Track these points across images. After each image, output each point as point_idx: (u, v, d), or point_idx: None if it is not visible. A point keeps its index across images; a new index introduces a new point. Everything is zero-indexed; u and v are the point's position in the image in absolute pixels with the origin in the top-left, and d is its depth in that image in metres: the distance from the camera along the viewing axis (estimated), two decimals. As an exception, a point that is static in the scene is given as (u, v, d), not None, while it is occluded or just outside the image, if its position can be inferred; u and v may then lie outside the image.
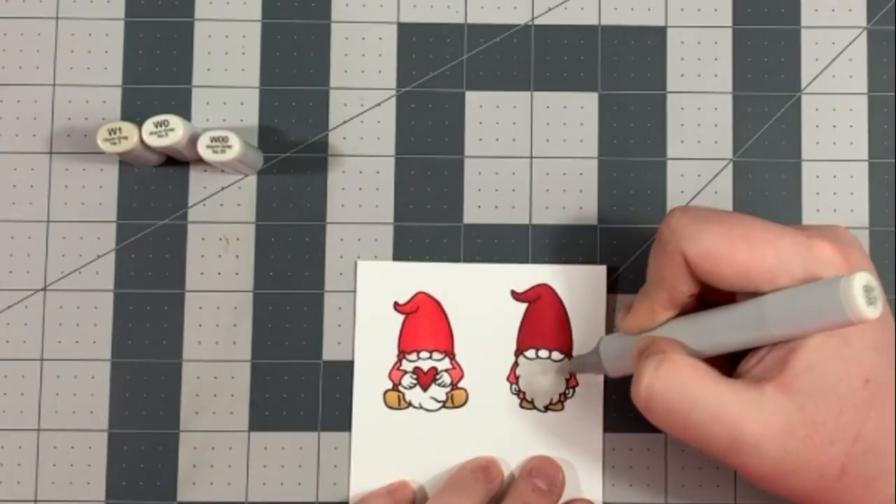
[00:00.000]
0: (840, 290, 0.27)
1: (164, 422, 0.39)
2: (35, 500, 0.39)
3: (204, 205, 0.40)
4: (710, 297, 0.34)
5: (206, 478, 0.39)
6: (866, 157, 0.40)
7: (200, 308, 0.39)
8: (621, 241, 0.40)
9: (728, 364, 0.33)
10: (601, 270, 0.39)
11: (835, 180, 0.40)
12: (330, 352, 0.39)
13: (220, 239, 0.40)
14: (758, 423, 0.30)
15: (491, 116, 0.40)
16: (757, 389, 0.30)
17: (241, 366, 0.39)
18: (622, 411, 0.39)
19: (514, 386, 0.39)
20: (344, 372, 0.39)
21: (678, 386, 0.31)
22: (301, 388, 0.39)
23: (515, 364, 0.39)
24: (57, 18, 0.40)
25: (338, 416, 0.39)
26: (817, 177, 0.40)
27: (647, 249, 0.39)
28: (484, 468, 0.38)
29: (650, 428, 0.39)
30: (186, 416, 0.39)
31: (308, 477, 0.39)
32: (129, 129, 0.36)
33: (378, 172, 0.40)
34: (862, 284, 0.27)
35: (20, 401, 0.39)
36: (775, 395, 0.30)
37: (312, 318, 0.39)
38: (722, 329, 0.32)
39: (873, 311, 0.27)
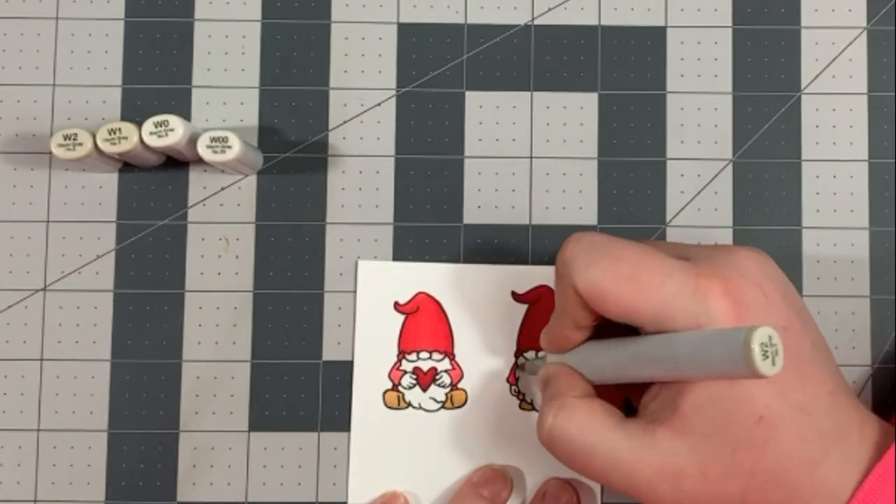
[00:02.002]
0: (737, 347, 0.27)
1: (164, 422, 0.39)
2: (35, 500, 0.39)
3: (204, 205, 0.40)
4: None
5: (206, 478, 0.39)
6: (866, 157, 0.40)
7: (200, 308, 0.39)
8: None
9: (630, 388, 0.33)
10: None
11: (835, 180, 0.40)
12: (330, 352, 0.39)
13: (220, 239, 0.40)
14: (651, 467, 0.30)
15: (491, 116, 0.40)
16: (649, 434, 0.30)
17: (241, 366, 0.39)
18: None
19: (513, 387, 0.39)
20: (344, 372, 0.39)
21: (576, 432, 0.31)
22: (301, 388, 0.39)
23: (515, 365, 0.39)
24: (57, 18, 0.40)
25: (337, 417, 0.39)
26: (817, 177, 0.40)
27: (647, 249, 0.39)
28: (490, 481, 0.38)
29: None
30: (186, 416, 0.39)
31: (308, 477, 0.39)
32: (129, 129, 0.36)
33: (378, 172, 0.40)
34: (759, 341, 0.26)
35: (20, 401, 0.39)
36: (666, 438, 0.30)
37: (312, 318, 0.39)
38: (633, 361, 0.31)
39: (770, 367, 0.26)
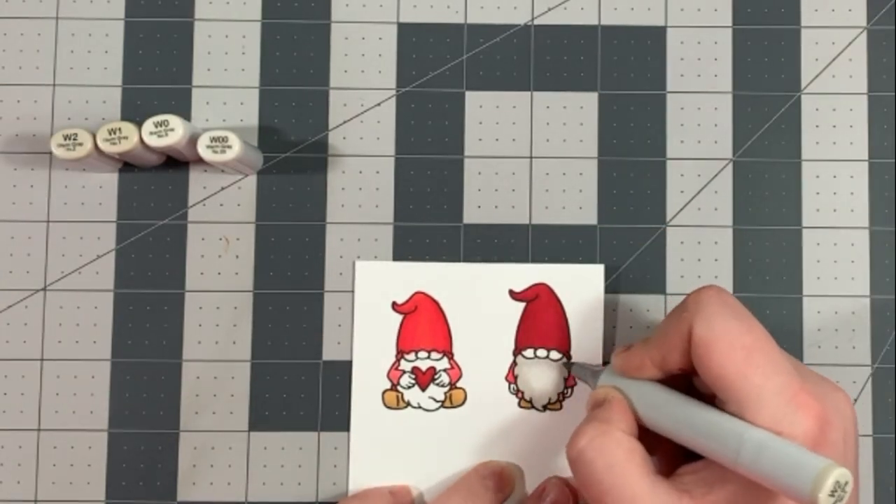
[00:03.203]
0: (813, 472, 0.26)
1: (164, 422, 0.39)
2: (35, 500, 0.39)
3: (204, 205, 0.40)
4: (699, 384, 0.34)
5: (206, 478, 0.39)
6: (866, 157, 0.40)
7: (200, 308, 0.39)
8: (621, 241, 0.40)
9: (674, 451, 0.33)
10: (599, 270, 0.39)
11: (835, 180, 0.40)
12: (330, 352, 0.39)
13: (220, 239, 0.40)
14: None
15: (491, 116, 0.40)
16: (675, 501, 0.30)
17: (241, 366, 0.39)
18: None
19: (512, 385, 0.39)
20: (344, 372, 0.39)
21: (606, 464, 0.31)
22: (301, 388, 0.39)
23: (514, 363, 0.39)
24: (57, 18, 0.40)
25: (337, 416, 0.39)
26: (817, 177, 0.40)
27: (646, 249, 0.39)
28: (496, 475, 0.38)
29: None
30: (186, 416, 0.39)
31: (308, 477, 0.39)
32: (129, 129, 0.36)
33: (378, 172, 0.40)
34: (834, 480, 0.26)
35: (20, 401, 0.39)
36: None
37: (312, 318, 0.39)
38: (696, 428, 0.31)
39: None
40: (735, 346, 0.30)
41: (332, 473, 0.39)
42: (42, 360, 0.39)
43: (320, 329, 0.39)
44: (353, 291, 0.39)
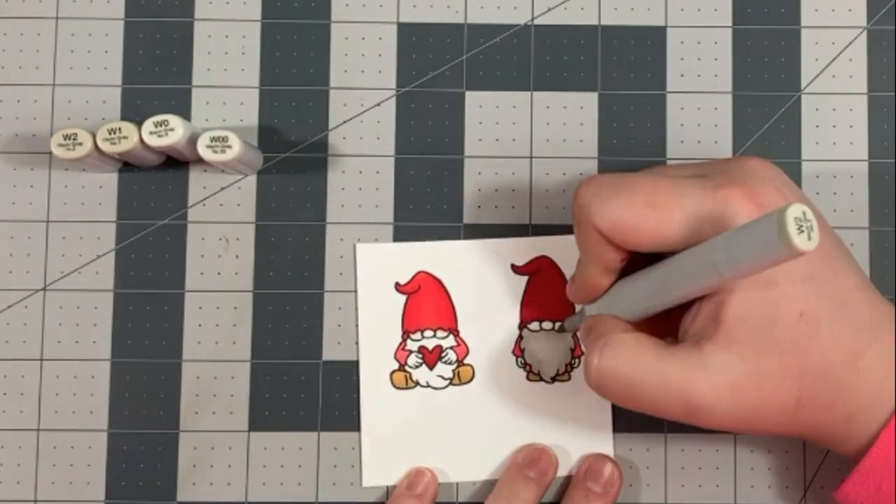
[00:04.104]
0: (772, 227, 0.26)
1: (164, 422, 0.39)
2: (35, 500, 0.39)
3: (204, 205, 0.40)
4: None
5: (206, 478, 0.39)
6: (866, 157, 0.40)
7: (200, 308, 0.39)
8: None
9: (672, 328, 0.33)
10: None
11: (835, 180, 0.40)
12: (330, 352, 0.39)
13: (220, 239, 0.40)
14: (705, 385, 0.31)
15: (491, 116, 0.40)
16: (697, 353, 0.31)
17: (241, 366, 0.39)
18: (621, 411, 0.39)
19: (519, 359, 0.39)
20: (344, 372, 0.39)
21: (623, 365, 0.32)
22: (301, 388, 0.39)
23: (520, 337, 0.39)
24: (57, 18, 0.40)
25: (337, 416, 0.39)
26: (817, 177, 0.40)
27: (647, 249, 0.39)
28: (535, 461, 0.38)
29: (650, 428, 0.39)
30: (186, 416, 0.39)
31: (308, 477, 0.39)
32: (128, 129, 0.36)
33: (378, 172, 0.40)
34: (793, 216, 0.26)
35: (20, 401, 0.39)
36: (715, 352, 0.31)
37: (312, 318, 0.39)
38: (670, 282, 0.32)
39: (807, 241, 0.26)
40: (639, 211, 0.31)
41: (333, 474, 0.39)
42: (42, 360, 0.39)
43: (320, 329, 0.39)
44: (353, 291, 0.39)
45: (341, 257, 0.40)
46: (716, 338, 0.31)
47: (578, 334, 0.36)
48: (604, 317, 0.34)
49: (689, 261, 0.31)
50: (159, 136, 0.36)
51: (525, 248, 0.39)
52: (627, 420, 0.39)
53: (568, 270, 0.39)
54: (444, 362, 0.39)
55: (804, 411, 0.31)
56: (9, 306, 0.39)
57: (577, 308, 0.38)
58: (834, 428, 0.31)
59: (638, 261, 0.34)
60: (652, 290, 0.33)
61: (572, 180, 0.40)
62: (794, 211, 0.26)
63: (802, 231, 0.26)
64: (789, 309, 0.30)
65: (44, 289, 0.39)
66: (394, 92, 0.40)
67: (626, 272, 0.34)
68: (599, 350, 0.32)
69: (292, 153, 0.40)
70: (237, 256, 0.40)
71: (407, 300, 0.39)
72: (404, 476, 0.38)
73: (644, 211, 0.31)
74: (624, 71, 0.40)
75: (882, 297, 0.33)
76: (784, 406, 0.31)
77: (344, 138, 0.40)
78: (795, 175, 0.40)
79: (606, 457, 0.38)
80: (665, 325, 0.34)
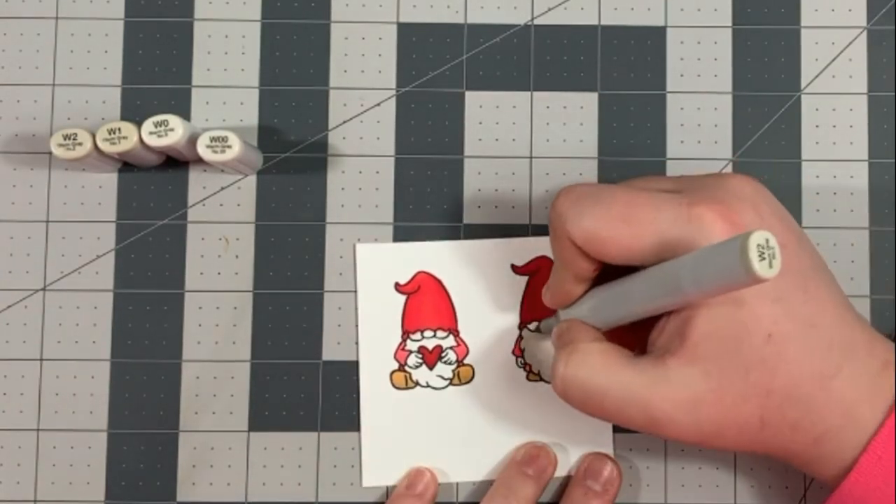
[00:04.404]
0: (734, 253, 0.26)
1: (164, 422, 0.39)
2: (35, 500, 0.39)
3: (204, 205, 0.40)
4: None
5: (206, 478, 0.39)
6: (866, 157, 0.40)
7: (200, 308, 0.39)
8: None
9: (643, 339, 0.34)
10: None
11: (835, 180, 0.40)
12: (330, 352, 0.39)
13: (220, 239, 0.40)
14: (666, 399, 0.31)
15: (491, 116, 0.40)
16: (661, 366, 0.31)
17: (241, 366, 0.39)
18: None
19: (519, 359, 0.39)
20: (344, 372, 0.39)
21: (588, 375, 0.32)
22: (301, 388, 0.39)
23: (520, 337, 0.39)
24: (57, 18, 0.40)
25: (337, 416, 0.39)
26: (817, 177, 0.40)
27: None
28: (534, 458, 0.38)
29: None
30: (186, 416, 0.39)
31: (308, 477, 0.39)
32: (128, 129, 0.36)
33: (378, 172, 0.40)
34: (755, 243, 0.26)
35: (20, 401, 0.39)
36: (678, 367, 0.31)
37: (312, 318, 0.39)
38: (637, 296, 0.32)
39: (768, 269, 0.26)
40: (613, 225, 0.31)
41: (333, 474, 0.39)
42: (42, 360, 0.39)
43: (320, 329, 0.39)
44: (353, 291, 0.39)
45: (341, 257, 0.40)
46: (680, 353, 0.31)
47: (551, 336, 0.37)
48: (574, 323, 0.35)
49: (656, 277, 0.31)
50: (159, 136, 0.36)
51: (525, 249, 0.39)
52: (627, 420, 0.39)
53: None
54: (444, 362, 0.39)
55: (768, 431, 0.31)
56: (9, 306, 0.39)
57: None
58: (803, 449, 0.31)
59: (612, 271, 0.34)
60: (621, 302, 0.33)
61: (572, 180, 0.40)
62: (757, 238, 0.26)
63: (764, 258, 0.26)
64: (757, 329, 0.30)
65: (44, 289, 0.39)
66: (394, 92, 0.40)
67: (600, 281, 0.34)
68: (566, 358, 0.33)
69: (292, 153, 0.40)
70: (237, 256, 0.40)
71: (407, 300, 0.39)
72: (404, 476, 0.38)
73: (617, 225, 0.31)
74: (624, 71, 0.40)
75: (860, 318, 0.32)
76: (747, 425, 0.31)
77: (344, 138, 0.40)
78: (795, 175, 0.40)
79: (606, 456, 0.38)
80: (636, 336, 0.34)
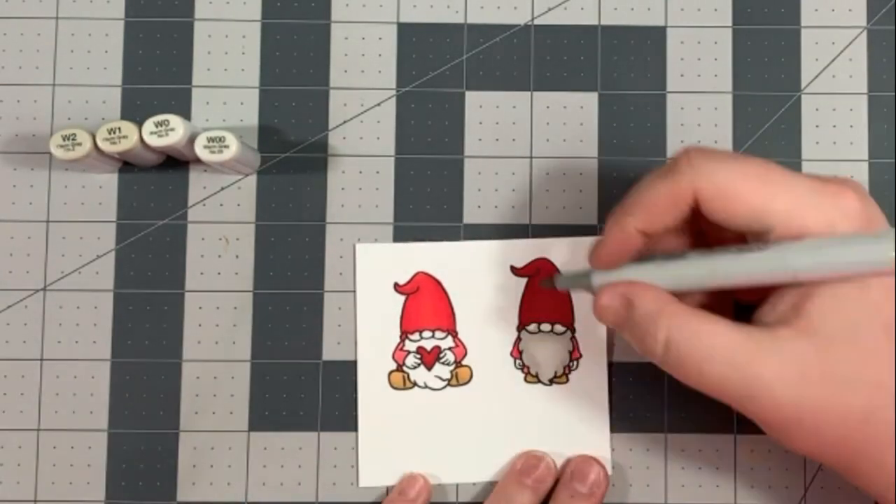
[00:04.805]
0: (889, 241, 0.27)
1: (164, 422, 0.39)
2: (35, 500, 0.39)
3: (204, 205, 0.40)
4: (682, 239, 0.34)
5: (206, 478, 0.39)
6: (866, 157, 0.40)
7: (200, 308, 0.39)
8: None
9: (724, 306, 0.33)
10: None
11: (835, 180, 0.40)
12: (330, 352, 0.39)
13: (220, 239, 0.40)
14: (772, 367, 0.29)
15: (491, 116, 0.40)
16: (772, 336, 0.29)
17: (241, 366, 0.39)
18: (621, 411, 0.39)
19: (518, 361, 0.39)
20: (344, 372, 0.39)
21: (689, 336, 0.30)
22: (301, 388, 0.39)
23: (518, 339, 0.39)
24: (57, 18, 0.40)
25: (337, 416, 0.39)
26: (817, 177, 0.40)
27: (647, 249, 0.39)
28: (532, 468, 0.38)
29: (650, 428, 0.39)
30: (186, 416, 0.39)
31: (308, 477, 0.39)
32: (128, 128, 0.36)
33: (378, 172, 0.40)
34: None
35: (20, 401, 0.39)
36: (791, 338, 0.29)
37: (312, 318, 0.39)
38: (742, 267, 0.31)
39: None
40: (749, 177, 0.30)
41: (332, 474, 0.39)
42: (42, 360, 0.39)
43: (320, 329, 0.39)
44: (353, 291, 0.39)
45: (341, 257, 0.40)
46: (795, 324, 0.29)
47: (593, 297, 0.34)
48: (641, 287, 0.32)
49: (755, 256, 0.30)
50: (159, 136, 0.36)
51: (525, 250, 0.39)
52: (627, 420, 0.39)
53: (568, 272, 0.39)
54: (443, 363, 0.39)
55: (870, 428, 0.29)
56: (9, 306, 0.39)
57: (580, 320, 0.39)
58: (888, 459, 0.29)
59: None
60: (705, 273, 0.32)
61: (572, 180, 0.40)
62: None
63: None
64: (878, 318, 0.29)
65: (44, 289, 0.39)
66: (394, 92, 0.40)
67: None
68: (667, 320, 0.31)
69: (292, 153, 0.40)
70: (237, 256, 0.40)
71: (406, 300, 0.39)
72: (397, 482, 0.38)
73: (754, 182, 0.30)
74: (624, 71, 0.40)
75: None
76: (850, 415, 0.29)
77: (344, 138, 0.40)
78: (795, 175, 0.40)
79: (593, 458, 0.38)
80: (714, 304, 0.33)
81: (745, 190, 0.30)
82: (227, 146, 0.36)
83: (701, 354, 0.30)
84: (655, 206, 0.31)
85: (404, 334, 0.39)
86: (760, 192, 0.30)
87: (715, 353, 0.30)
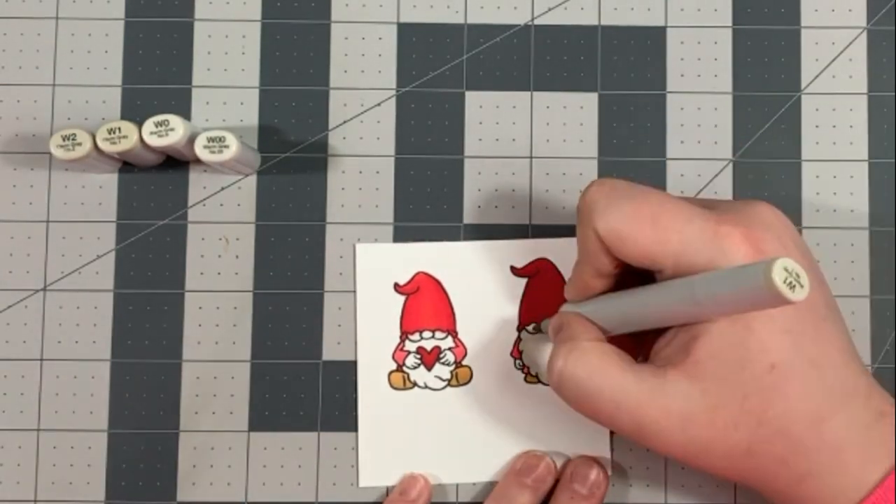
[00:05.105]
0: (760, 274, 0.26)
1: (164, 422, 0.39)
2: (35, 500, 0.39)
3: (204, 205, 0.40)
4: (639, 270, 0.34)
5: (206, 478, 0.39)
6: (866, 157, 0.40)
7: (200, 308, 0.39)
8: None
9: (643, 343, 0.34)
10: None
11: (835, 180, 0.40)
12: (330, 352, 0.39)
13: (220, 239, 0.40)
14: (658, 409, 0.31)
15: (491, 116, 0.40)
16: (660, 377, 0.31)
17: (241, 366, 0.39)
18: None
19: (517, 361, 0.39)
20: (344, 372, 0.39)
21: (586, 373, 0.32)
22: (301, 388, 0.39)
23: (518, 339, 0.39)
24: (57, 18, 0.40)
25: (337, 416, 0.39)
26: (817, 177, 0.40)
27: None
28: (532, 468, 0.38)
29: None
30: (186, 416, 0.39)
31: (308, 477, 0.39)
32: (128, 128, 0.36)
33: (378, 172, 0.40)
34: (782, 266, 0.26)
35: (20, 401, 0.39)
36: (677, 380, 0.31)
37: (312, 318, 0.39)
38: (652, 304, 0.32)
39: (800, 292, 0.26)
40: (639, 224, 0.31)
41: (333, 474, 0.39)
42: (42, 360, 0.39)
43: (320, 329, 0.39)
44: (353, 291, 0.39)
45: (341, 257, 0.40)
46: (682, 367, 0.31)
47: (548, 331, 0.36)
48: (574, 318, 0.34)
49: (675, 287, 0.31)
50: (159, 136, 0.36)
51: (524, 250, 0.39)
52: (627, 420, 0.39)
53: (567, 273, 0.39)
54: (443, 363, 0.39)
55: (754, 461, 0.31)
56: (9, 306, 0.39)
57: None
58: (785, 486, 0.31)
59: (631, 280, 0.34)
60: (634, 308, 0.33)
61: (572, 180, 0.40)
62: (786, 262, 0.26)
63: (791, 284, 0.26)
64: (763, 358, 0.30)
65: (44, 289, 0.39)
66: (394, 92, 0.40)
67: (619, 287, 0.34)
68: (566, 354, 0.32)
69: (292, 153, 0.40)
70: (237, 256, 0.40)
71: (406, 301, 0.39)
72: (397, 483, 0.38)
73: (644, 226, 0.31)
74: (624, 71, 0.40)
75: (862, 365, 0.32)
76: (734, 451, 0.31)
77: (344, 138, 0.40)
78: (795, 175, 0.40)
79: (592, 459, 0.38)
80: (636, 345, 0.34)
81: (636, 231, 0.31)
82: (227, 146, 0.36)
83: (595, 393, 0.32)
84: (588, 252, 0.33)
85: (404, 334, 0.39)
86: (650, 234, 0.31)
87: (607, 391, 0.31)
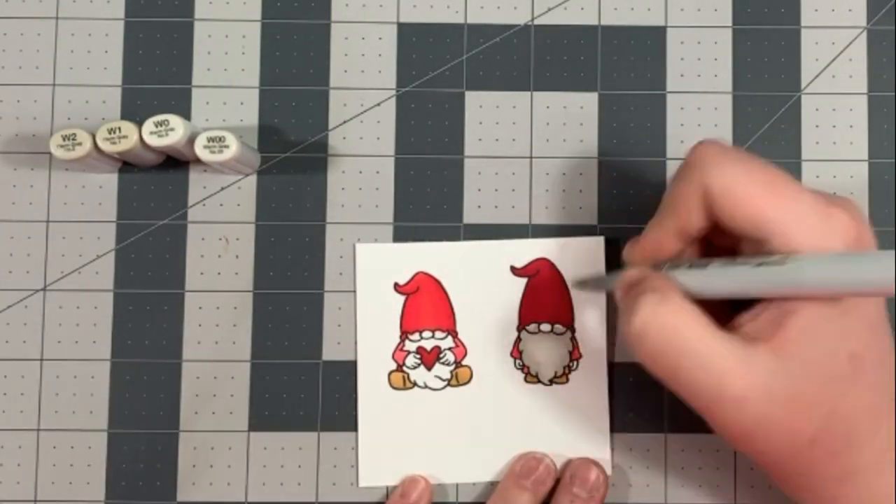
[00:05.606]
0: (892, 269, 0.26)
1: (164, 422, 0.39)
2: (35, 500, 0.39)
3: (204, 205, 0.40)
4: (716, 242, 0.33)
5: (206, 478, 0.39)
6: (866, 157, 0.40)
7: (200, 308, 0.39)
8: (621, 241, 0.39)
9: (716, 314, 0.32)
10: (599, 241, 0.39)
11: (835, 180, 0.40)
12: (330, 352, 0.39)
13: (220, 239, 0.40)
14: (744, 380, 0.29)
15: (491, 116, 0.40)
16: (750, 347, 0.30)
17: (240, 366, 0.39)
18: (620, 411, 0.39)
19: (517, 361, 0.39)
20: (344, 372, 0.39)
21: (675, 328, 0.30)
22: (301, 388, 0.39)
23: (518, 339, 0.39)
24: (57, 18, 0.40)
25: (337, 416, 0.39)
26: (817, 177, 0.40)
27: (647, 249, 0.39)
28: (532, 470, 0.38)
29: (649, 428, 0.39)
30: (186, 416, 0.39)
31: (308, 477, 0.39)
32: (128, 128, 0.36)
33: (378, 172, 0.40)
34: None
35: (20, 401, 0.39)
36: (766, 356, 0.30)
37: (312, 318, 0.39)
38: (749, 276, 0.30)
39: None
40: (755, 182, 0.30)
41: (332, 474, 0.39)
42: (42, 360, 0.39)
43: (320, 329, 0.39)
44: (353, 291, 0.39)
45: (341, 257, 0.40)
46: (773, 341, 0.30)
47: (616, 291, 0.34)
48: (657, 274, 0.32)
49: (775, 261, 0.30)
50: (159, 136, 0.36)
51: (524, 250, 0.39)
52: (627, 420, 0.39)
53: (567, 273, 0.39)
54: (442, 363, 0.39)
55: (812, 451, 0.30)
56: (9, 306, 0.39)
57: (579, 320, 0.39)
58: (831, 482, 0.31)
59: (691, 250, 0.33)
60: (718, 277, 0.31)
61: (572, 180, 0.40)
62: None
63: None
64: (847, 346, 0.30)
65: (44, 289, 0.39)
66: (394, 92, 0.40)
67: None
68: (655, 302, 0.30)
69: (292, 153, 0.40)
70: (237, 256, 0.40)
71: (406, 300, 0.39)
72: (398, 484, 0.38)
73: (759, 188, 0.30)
74: (624, 71, 0.40)
75: None
76: (798, 437, 0.30)
77: (344, 138, 0.40)
78: (795, 175, 0.40)
79: (592, 462, 0.38)
80: (711, 311, 0.33)
81: (749, 194, 0.30)
82: (227, 146, 0.36)
83: (680, 350, 0.30)
84: (683, 207, 0.32)
85: (404, 334, 0.39)
86: (763, 200, 0.30)
87: (693, 350, 0.30)
